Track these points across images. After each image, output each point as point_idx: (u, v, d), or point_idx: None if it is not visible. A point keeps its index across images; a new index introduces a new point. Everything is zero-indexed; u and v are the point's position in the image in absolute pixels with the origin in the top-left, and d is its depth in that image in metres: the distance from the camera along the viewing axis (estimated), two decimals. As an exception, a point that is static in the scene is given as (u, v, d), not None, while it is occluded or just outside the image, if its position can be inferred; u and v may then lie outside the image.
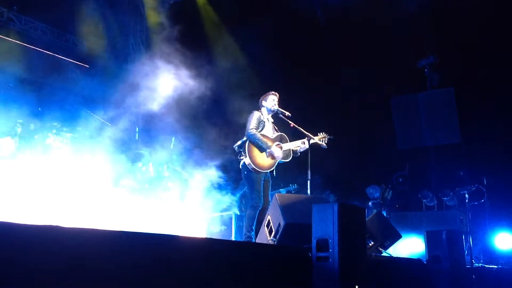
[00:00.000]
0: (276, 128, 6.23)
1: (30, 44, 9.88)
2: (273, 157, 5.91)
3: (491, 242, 8.91)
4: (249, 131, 5.83)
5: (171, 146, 9.91)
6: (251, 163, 5.74)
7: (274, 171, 6.00)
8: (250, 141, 5.84)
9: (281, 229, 5.06)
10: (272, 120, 6.20)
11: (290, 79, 9.93)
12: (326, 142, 6.05)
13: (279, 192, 8.66)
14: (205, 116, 9.80)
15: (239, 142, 5.99)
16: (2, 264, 2.51)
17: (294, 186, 9.08)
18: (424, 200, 9.66)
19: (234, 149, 6.09)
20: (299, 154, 6.16)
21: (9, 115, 8.08)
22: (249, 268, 3.89)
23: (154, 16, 11.06)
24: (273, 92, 6.20)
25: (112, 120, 9.28)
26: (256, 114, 6.00)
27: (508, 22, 9.08)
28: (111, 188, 8.39)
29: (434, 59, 10.67)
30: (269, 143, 5.94)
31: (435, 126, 10.40)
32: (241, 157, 5.87)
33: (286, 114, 6.15)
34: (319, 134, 6.09)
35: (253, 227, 5.76)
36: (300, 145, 6.06)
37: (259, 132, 5.94)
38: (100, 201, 6.96)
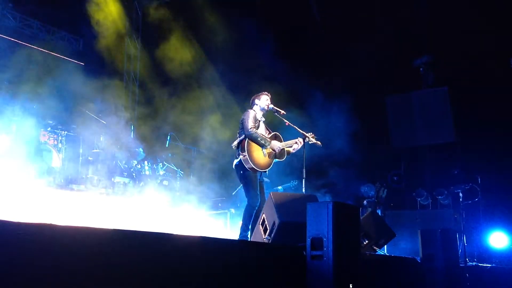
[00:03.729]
0: (268, 127, 6.21)
1: (25, 42, 9.84)
2: (273, 151, 5.92)
3: (485, 240, 8.96)
4: (249, 129, 5.79)
5: (167, 144, 9.89)
6: (249, 161, 5.71)
7: (267, 171, 5.98)
8: (250, 139, 5.79)
9: (275, 227, 5.05)
10: (264, 119, 6.17)
11: (287, 79, 9.92)
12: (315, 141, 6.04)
13: (277, 190, 8.65)
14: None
15: (236, 141, 5.95)
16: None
17: (295, 182, 9.02)
18: (419, 199, 9.69)
19: (232, 147, 6.07)
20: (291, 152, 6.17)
21: (4, 113, 8.06)
22: (243, 267, 3.90)
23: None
24: (266, 92, 6.19)
25: (107, 118, 9.28)
26: (251, 113, 5.96)
27: (504, 22, 9.10)
28: (106, 187, 8.39)
29: (430, 58, 10.69)
30: (268, 139, 5.96)
31: (429, 125, 10.41)
32: (239, 156, 5.83)
33: (282, 113, 6.12)
34: (308, 134, 6.06)
35: (249, 227, 5.73)
36: (293, 144, 6.04)
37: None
38: (95, 199, 6.97)
